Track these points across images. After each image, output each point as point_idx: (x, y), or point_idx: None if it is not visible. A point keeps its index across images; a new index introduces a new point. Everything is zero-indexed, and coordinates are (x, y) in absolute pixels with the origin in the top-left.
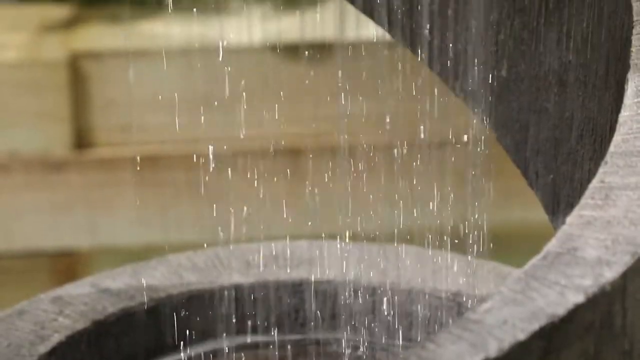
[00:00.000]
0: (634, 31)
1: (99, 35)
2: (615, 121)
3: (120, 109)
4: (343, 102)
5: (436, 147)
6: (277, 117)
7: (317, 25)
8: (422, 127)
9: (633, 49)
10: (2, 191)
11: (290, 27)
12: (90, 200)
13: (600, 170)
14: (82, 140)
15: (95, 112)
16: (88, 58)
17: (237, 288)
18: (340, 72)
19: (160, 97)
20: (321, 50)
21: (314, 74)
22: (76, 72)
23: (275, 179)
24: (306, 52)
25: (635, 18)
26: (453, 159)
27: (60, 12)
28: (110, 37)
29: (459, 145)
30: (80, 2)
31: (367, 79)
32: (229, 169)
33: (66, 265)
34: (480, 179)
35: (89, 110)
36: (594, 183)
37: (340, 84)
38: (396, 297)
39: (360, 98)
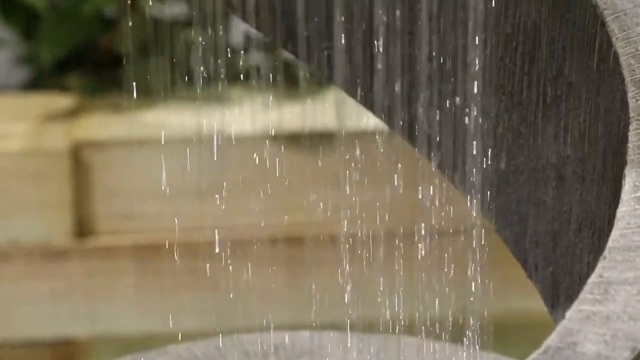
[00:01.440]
0: (631, 127)
1: (101, 125)
2: (613, 215)
3: (122, 197)
4: (344, 191)
5: (436, 236)
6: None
7: (318, 114)
8: (421, 215)
9: (630, 144)
10: (2, 280)
11: (291, 116)
12: (91, 288)
13: (599, 264)
14: (83, 228)
15: (96, 200)
16: (90, 147)
17: None
18: (341, 161)
19: (161, 185)
20: (322, 139)
21: (315, 162)
22: (78, 161)
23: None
24: (307, 141)
25: (631, 114)
26: (452, 247)
27: (64, 101)
28: (113, 127)
29: (458, 234)
30: (83, 92)
31: (368, 168)
32: (230, 258)
33: (65, 354)
34: (480, 268)
35: (91, 198)
36: (593, 278)
37: (340, 173)
38: None
39: (361, 187)
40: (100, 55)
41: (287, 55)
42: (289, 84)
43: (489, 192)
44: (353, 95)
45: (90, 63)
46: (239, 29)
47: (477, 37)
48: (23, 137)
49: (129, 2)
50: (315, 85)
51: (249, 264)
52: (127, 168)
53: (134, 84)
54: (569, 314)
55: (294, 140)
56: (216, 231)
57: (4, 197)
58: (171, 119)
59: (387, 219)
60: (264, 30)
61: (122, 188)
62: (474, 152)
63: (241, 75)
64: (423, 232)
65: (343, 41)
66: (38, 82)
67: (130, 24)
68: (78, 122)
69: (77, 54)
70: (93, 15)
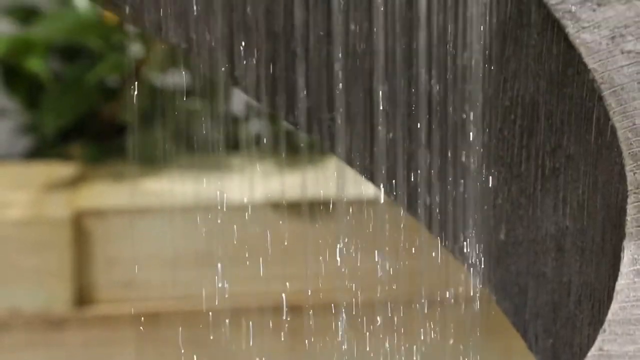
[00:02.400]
0: (629, 200)
1: (102, 193)
2: (613, 288)
3: (123, 265)
4: (344, 259)
5: (436, 305)
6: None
7: (319, 182)
8: (421, 284)
9: (628, 217)
10: (2, 350)
11: (292, 184)
12: (90, 358)
13: (599, 337)
14: (83, 297)
15: (97, 269)
16: (91, 216)
17: None
18: (341, 229)
19: (162, 253)
20: (322, 207)
21: (315, 231)
22: (79, 230)
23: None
24: (308, 209)
25: (629, 187)
26: (452, 317)
27: (65, 170)
28: (114, 195)
29: (458, 304)
30: (86, 161)
31: (367, 236)
32: (230, 326)
33: None
34: (481, 338)
35: (91, 267)
36: (593, 351)
37: (340, 241)
38: None
39: (361, 255)
40: (103, 124)
41: (287, 124)
42: (289, 152)
43: (488, 264)
44: (353, 165)
45: (93, 132)
46: (241, 97)
47: (476, 110)
48: (24, 206)
49: (132, 72)
50: (315, 153)
51: (250, 332)
52: (128, 236)
53: (136, 152)
54: None
55: (295, 208)
56: (217, 299)
57: (5, 265)
58: (172, 187)
59: (387, 287)
60: (265, 102)
61: (122, 256)
62: (474, 223)
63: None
64: (423, 301)
65: (344, 113)
66: (40, 151)
67: (133, 93)
68: (79, 190)
69: (79, 123)
70: (96, 85)
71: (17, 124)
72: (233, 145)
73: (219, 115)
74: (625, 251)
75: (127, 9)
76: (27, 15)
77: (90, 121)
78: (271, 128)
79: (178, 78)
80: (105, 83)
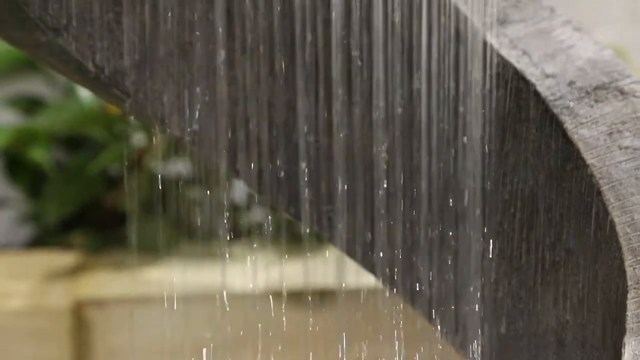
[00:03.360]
0: (629, 295)
1: (103, 283)
2: None
3: (123, 355)
4: (344, 349)
5: None
6: None
7: (320, 272)
8: None
9: (628, 313)
10: None
11: (293, 273)
12: None
13: None
14: None
15: (97, 359)
16: (92, 305)
17: None
18: (341, 319)
19: (162, 343)
20: (324, 296)
21: (316, 320)
22: (80, 319)
23: None
24: (309, 299)
25: (629, 283)
26: None
27: (66, 259)
28: (115, 284)
29: None
30: (87, 250)
31: (368, 326)
32: None
33: None
34: None
35: (92, 357)
36: None
37: (341, 331)
38: None
39: (362, 344)
40: (105, 213)
41: (288, 215)
42: (290, 240)
43: (489, 357)
44: (354, 257)
45: (94, 221)
46: (242, 185)
47: (476, 203)
48: (25, 296)
49: (135, 161)
50: (316, 242)
51: None
52: (129, 326)
53: (137, 241)
54: None
55: (296, 297)
56: None
57: (5, 355)
58: (173, 276)
59: None
60: (266, 194)
61: (123, 346)
62: (474, 316)
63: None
64: None
65: (344, 205)
66: (42, 240)
67: (134, 182)
68: (80, 280)
69: (81, 212)
70: (98, 175)
71: (19, 213)
72: (234, 233)
73: (220, 203)
74: (626, 347)
75: (131, 103)
76: (31, 106)
77: (92, 210)
78: (272, 216)
79: (180, 167)
80: (107, 172)
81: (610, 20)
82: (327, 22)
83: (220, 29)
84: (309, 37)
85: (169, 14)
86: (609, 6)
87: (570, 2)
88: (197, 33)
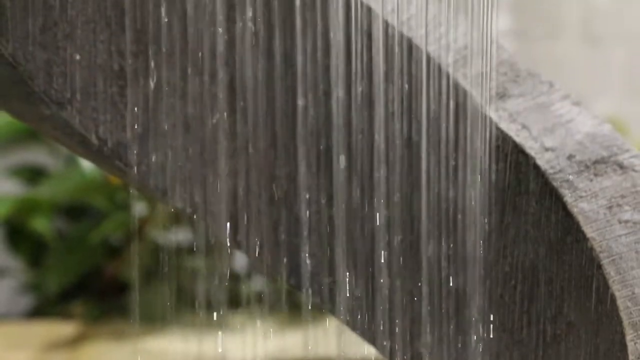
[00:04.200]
0: None
1: (104, 353)
2: None
3: None
4: None
5: None
6: None
7: (320, 341)
8: None
9: None
10: None
11: (293, 343)
12: None
13: None
14: None
15: None
16: None
17: None
18: None
19: None
20: None
21: None
22: None
23: None
24: None
25: (630, 357)
26: None
27: (66, 329)
28: (116, 354)
29: None
30: (87, 319)
31: None
32: None
33: None
34: None
35: None
36: None
37: None
38: None
39: None
40: (105, 282)
41: (289, 286)
42: (291, 310)
43: None
44: (354, 328)
45: (95, 290)
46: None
47: (477, 275)
48: None
49: (136, 230)
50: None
51: None
52: None
53: (138, 311)
54: None
55: None
56: None
57: None
58: (174, 346)
59: None
60: (266, 265)
61: None
62: None
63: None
64: None
65: (345, 277)
66: (42, 309)
67: (136, 251)
68: (80, 350)
69: (82, 281)
70: (100, 244)
71: (19, 282)
72: (234, 302)
73: (220, 273)
74: None
75: (133, 175)
76: (33, 176)
77: (93, 279)
78: (272, 286)
79: (181, 236)
80: (108, 241)
81: (609, 92)
82: (328, 94)
83: (222, 102)
84: (310, 110)
85: (172, 87)
86: (607, 78)
87: (569, 74)
88: (200, 106)
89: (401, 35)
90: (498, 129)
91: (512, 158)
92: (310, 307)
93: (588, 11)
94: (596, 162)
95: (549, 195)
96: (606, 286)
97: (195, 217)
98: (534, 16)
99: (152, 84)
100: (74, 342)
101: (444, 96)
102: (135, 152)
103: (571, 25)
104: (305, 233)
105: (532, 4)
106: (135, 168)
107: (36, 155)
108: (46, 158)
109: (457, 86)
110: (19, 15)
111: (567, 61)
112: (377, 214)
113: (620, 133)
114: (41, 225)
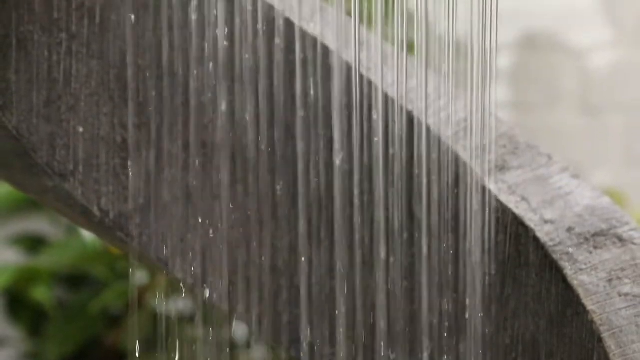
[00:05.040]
0: None
1: None
2: None
3: None
4: None
5: None
6: None
7: None
8: None
9: None
10: None
11: None
12: None
13: None
14: None
15: None
16: None
17: None
18: None
19: None
20: None
21: None
22: None
23: None
24: None
25: None
26: None
27: None
28: None
29: None
30: None
31: None
32: None
33: None
34: None
35: None
36: None
37: None
38: None
39: None
40: (105, 352)
41: (289, 356)
42: None
43: None
44: None
45: (95, 359)
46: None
47: (477, 347)
48: None
49: (136, 299)
50: None
51: None
52: None
53: None
54: None
55: None
56: None
57: None
58: None
59: None
60: (267, 335)
61: None
62: None
63: None
64: None
65: (346, 348)
66: None
67: (136, 320)
68: None
69: (82, 350)
70: (99, 313)
71: (19, 352)
72: None
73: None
74: None
75: (134, 246)
76: (34, 245)
77: (93, 349)
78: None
79: (181, 305)
80: (109, 310)
81: (607, 162)
82: (330, 166)
83: (224, 173)
84: (311, 181)
85: (174, 159)
86: (606, 148)
87: (567, 143)
88: (201, 177)
89: (401, 108)
90: (498, 200)
91: (512, 230)
92: None
93: (586, 81)
94: (595, 234)
95: (549, 267)
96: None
97: (195, 287)
98: (533, 86)
99: (153, 156)
100: None
101: (444, 168)
102: (136, 223)
103: (569, 96)
104: (305, 305)
105: (531, 74)
106: (137, 239)
107: (37, 224)
108: (47, 227)
109: (457, 158)
110: (23, 88)
111: (566, 131)
112: (378, 285)
113: (619, 203)
114: (41, 294)
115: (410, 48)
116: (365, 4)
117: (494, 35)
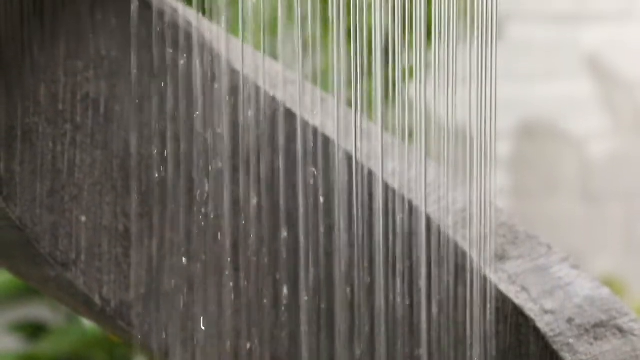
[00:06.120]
0: None
1: None
2: None
3: None
4: None
5: None
6: None
7: None
8: None
9: None
10: None
11: None
12: None
13: None
14: None
15: None
16: None
17: None
18: None
19: None
20: None
21: None
22: None
23: None
24: None
25: None
26: None
27: None
28: None
29: None
30: None
31: None
32: None
33: None
34: None
35: None
36: None
37: None
38: None
39: None
40: None
41: None
42: None
43: None
44: None
45: None
46: None
47: None
48: None
49: None
50: None
51: None
52: None
53: None
54: None
55: None
56: None
57: None
58: None
59: None
60: None
61: None
62: None
63: None
64: None
65: None
66: None
67: None
68: None
69: None
70: None
71: None
72: None
73: None
74: None
75: (135, 335)
76: (34, 331)
77: None
78: None
79: None
80: None
81: (607, 249)
82: (330, 255)
83: (226, 262)
84: (311, 270)
85: (176, 247)
86: (605, 235)
87: (567, 231)
88: (203, 265)
89: (402, 198)
90: (498, 290)
91: (512, 320)
92: None
93: (585, 169)
94: (596, 325)
95: (549, 358)
96: None
97: None
98: (532, 174)
99: (155, 244)
100: None
101: (444, 257)
102: (137, 312)
103: (568, 183)
104: None
105: (530, 162)
106: (138, 328)
107: (37, 310)
108: (47, 314)
109: (457, 247)
110: (27, 179)
111: (565, 218)
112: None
113: (619, 291)
114: None
115: (410, 135)
116: (365, 94)
117: (493, 123)
